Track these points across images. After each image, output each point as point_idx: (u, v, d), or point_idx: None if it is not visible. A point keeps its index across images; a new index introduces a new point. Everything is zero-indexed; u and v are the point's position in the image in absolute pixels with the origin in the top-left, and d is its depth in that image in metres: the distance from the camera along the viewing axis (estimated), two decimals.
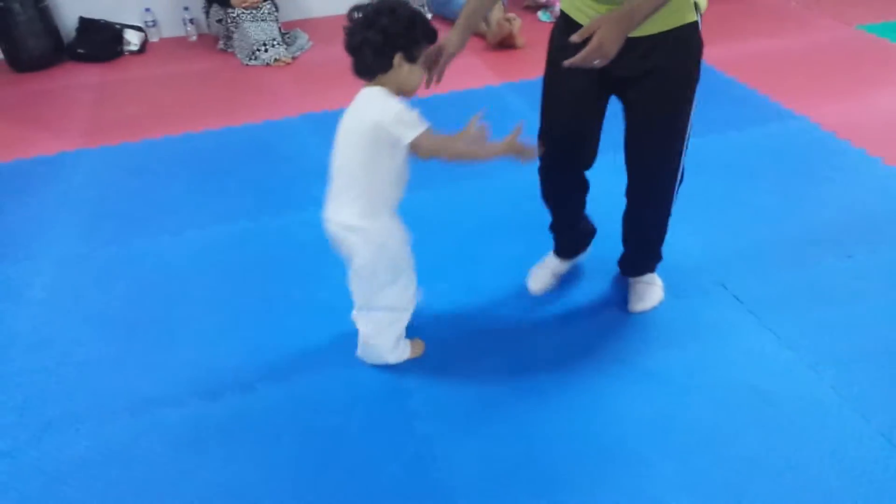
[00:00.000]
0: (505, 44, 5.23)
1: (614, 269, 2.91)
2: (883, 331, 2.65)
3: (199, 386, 2.54)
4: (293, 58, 5.27)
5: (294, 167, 3.84)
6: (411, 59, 2.07)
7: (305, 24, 5.84)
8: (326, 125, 4.26)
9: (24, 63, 5.19)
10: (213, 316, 2.86)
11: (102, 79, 5.09)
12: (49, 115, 4.58)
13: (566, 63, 1.98)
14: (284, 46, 5.26)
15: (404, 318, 2.49)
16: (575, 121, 2.43)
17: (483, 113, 2.18)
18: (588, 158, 2.55)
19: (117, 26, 5.48)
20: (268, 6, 5.28)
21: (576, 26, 2.18)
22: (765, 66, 4.76)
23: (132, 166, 3.94)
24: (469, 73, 4.81)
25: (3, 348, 2.74)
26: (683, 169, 2.45)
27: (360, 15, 2.04)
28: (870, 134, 3.89)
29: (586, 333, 2.70)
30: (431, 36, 2.11)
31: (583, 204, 2.76)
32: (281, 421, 2.40)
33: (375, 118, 2.05)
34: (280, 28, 5.35)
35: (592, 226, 2.90)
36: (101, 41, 5.36)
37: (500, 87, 4.58)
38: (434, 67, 2.34)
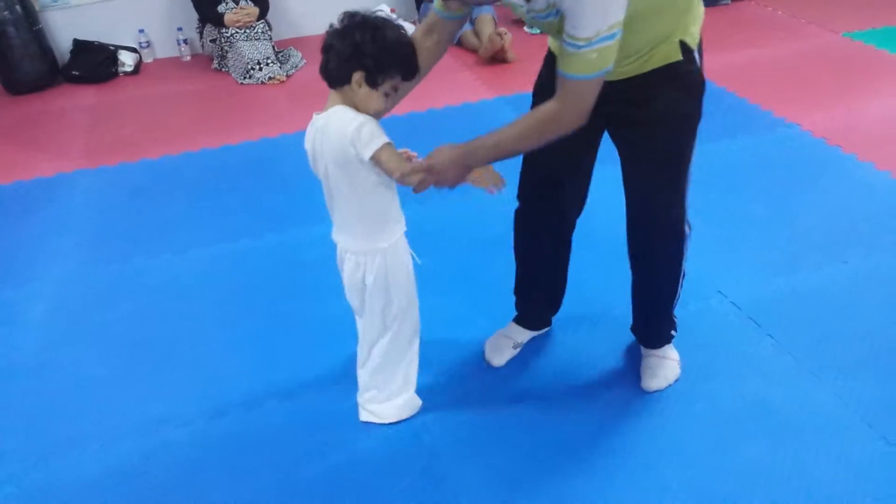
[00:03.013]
0: (497, 58, 5.27)
1: (605, 282, 2.93)
2: (881, 335, 2.67)
3: (205, 404, 2.55)
4: (287, 76, 5.30)
5: (294, 184, 3.85)
6: (372, 83, 1.93)
7: (299, 42, 5.86)
8: None
9: (19, 86, 5.21)
10: (218, 334, 2.87)
11: (98, 100, 5.12)
12: (46, 137, 4.60)
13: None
14: (279, 65, 5.29)
15: (412, 361, 2.41)
16: (559, 156, 2.13)
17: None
18: (571, 203, 2.39)
19: (111, 48, 5.50)
20: (261, 25, 5.32)
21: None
22: (754, 75, 4.81)
23: (131, 186, 3.97)
24: (463, 87, 4.86)
25: (7, 371, 2.75)
26: (688, 221, 2.31)
27: (347, 20, 1.92)
28: (860, 140, 3.93)
29: (588, 346, 2.72)
30: (409, 71, 1.98)
31: (560, 264, 2.56)
32: (288, 438, 2.41)
33: (338, 140, 1.96)
34: (274, 47, 5.39)
35: (563, 291, 2.66)
36: (95, 63, 5.38)
37: (494, 101, 4.63)
38: None
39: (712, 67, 4.63)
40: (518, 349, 2.66)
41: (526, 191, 2.39)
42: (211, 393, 2.60)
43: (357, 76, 1.92)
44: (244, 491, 2.25)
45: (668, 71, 2.00)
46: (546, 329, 2.76)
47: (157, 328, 2.92)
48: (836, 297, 2.86)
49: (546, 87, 2.12)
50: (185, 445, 2.41)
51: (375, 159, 1.95)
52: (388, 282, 2.19)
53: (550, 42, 2.21)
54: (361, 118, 1.94)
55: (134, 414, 2.53)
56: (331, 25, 1.95)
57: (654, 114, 2.07)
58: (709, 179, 3.59)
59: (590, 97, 1.85)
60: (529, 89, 2.29)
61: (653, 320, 2.56)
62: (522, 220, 2.47)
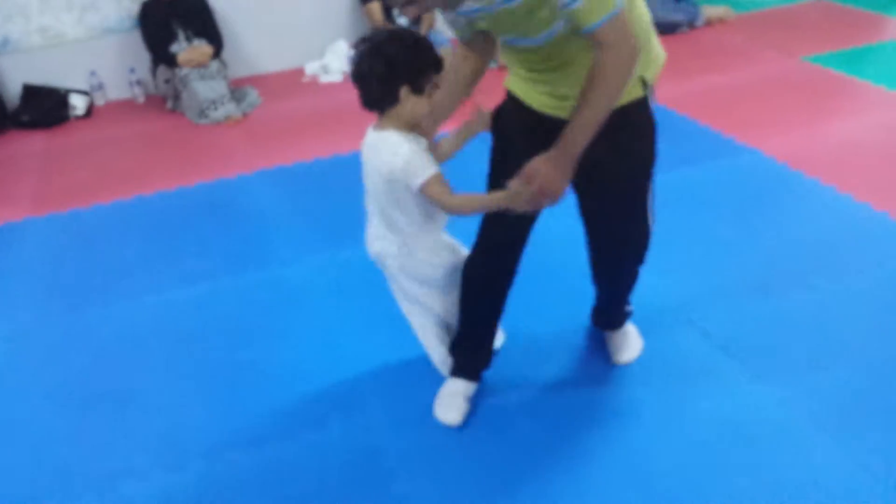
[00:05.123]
0: None
1: (578, 317, 2.88)
2: (852, 358, 2.65)
3: (164, 457, 2.47)
4: (244, 114, 5.24)
5: (251, 225, 3.80)
6: (418, 90, 2.02)
7: (254, 80, 5.82)
8: (281, 181, 4.30)
9: None
10: (176, 383, 2.78)
11: (48, 145, 5.01)
12: None
13: (515, 209, 2.04)
14: (234, 103, 5.23)
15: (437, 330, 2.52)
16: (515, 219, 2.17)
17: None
18: (521, 253, 2.39)
19: (62, 91, 5.41)
20: (216, 64, 5.26)
21: (520, 105, 2.18)
22: (715, 101, 4.82)
23: (84, 233, 3.87)
24: None
25: None
26: (650, 233, 2.39)
27: (367, 44, 1.99)
28: (822, 163, 3.94)
29: (560, 382, 2.67)
30: (438, 65, 2.05)
31: (503, 306, 2.51)
32: (250, 490, 2.33)
33: (387, 167, 2.05)
34: (229, 85, 5.32)
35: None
36: (45, 107, 5.28)
37: None
38: None
39: (673, 95, 4.73)
40: (469, 403, 2.54)
41: (482, 252, 2.36)
42: (170, 445, 2.51)
43: (404, 90, 2.00)
44: None
45: (632, 109, 2.04)
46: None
47: (113, 380, 2.82)
48: (805, 321, 2.84)
49: (502, 164, 2.20)
50: (144, 500, 2.32)
51: (423, 191, 2.06)
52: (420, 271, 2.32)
53: (514, 71, 2.20)
54: (407, 150, 2.03)
55: (91, 469, 2.45)
56: (351, 58, 2.06)
57: (618, 163, 2.12)
58: (674, 207, 3.58)
59: (626, 31, 1.82)
60: None
61: (616, 312, 2.69)
62: (477, 280, 2.39)
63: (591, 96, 1.89)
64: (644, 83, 2.06)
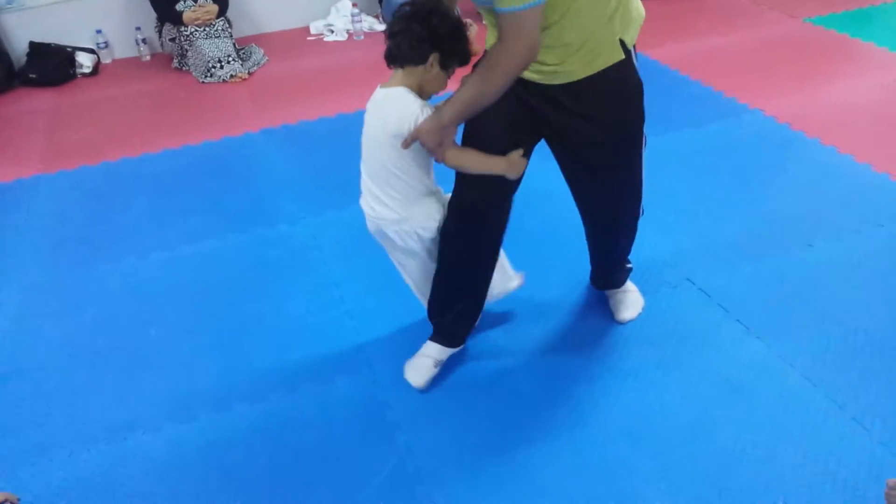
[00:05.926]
0: None
1: (578, 275, 2.92)
2: (848, 317, 2.69)
3: (174, 409, 2.52)
4: (249, 73, 5.24)
5: (257, 183, 3.83)
6: (444, 65, 2.08)
7: (260, 39, 5.81)
8: (287, 139, 4.32)
9: None
10: (184, 337, 2.83)
11: (56, 103, 5.02)
12: (3, 142, 4.50)
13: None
14: (240, 62, 5.23)
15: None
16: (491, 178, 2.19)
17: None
18: (503, 222, 2.36)
19: (69, 49, 5.40)
20: (221, 23, 5.25)
21: None
22: (717, 62, 4.81)
23: (92, 190, 3.90)
24: None
25: None
26: (641, 188, 2.38)
27: (413, 8, 2.05)
28: (823, 124, 3.95)
29: (561, 337, 2.71)
30: (466, 57, 2.13)
31: (488, 277, 2.48)
32: (259, 440, 2.38)
33: (396, 124, 2.07)
34: (235, 44, 5.32)
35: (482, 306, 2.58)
36: (52, 65, 5.27)
37: None
38: None
39: (675, 56, 4.75)
40: (438, 367, 2.54)
41: (455, 214, 2.30)
42: (179, 397, 2.57)
43: (433, 58, 2.06)
44: (216, 496, 2.22)
45: (614, 73, 2.04)
46: (462, 346, 2.62)
47: (123, 333, 2.88)
48: (803, 280, 2.88)
49: (476, 121, 2.12)
50: (154, 451, 2.38)
51: None
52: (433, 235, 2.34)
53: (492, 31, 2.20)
54: (419, 101, 2.08)
55: (102, 421, 2.50)
56: (393, 13, 2.09)
57: (607, 127, 2.13)
58: (675, 167, 3.61)
59: (530, 28, 1.82)
60: None
61: (615, 272, 2.73)
62: (447, 245, 2.35)
63: (473, 79, 1.97)
64: (623, 45, 2.03)
